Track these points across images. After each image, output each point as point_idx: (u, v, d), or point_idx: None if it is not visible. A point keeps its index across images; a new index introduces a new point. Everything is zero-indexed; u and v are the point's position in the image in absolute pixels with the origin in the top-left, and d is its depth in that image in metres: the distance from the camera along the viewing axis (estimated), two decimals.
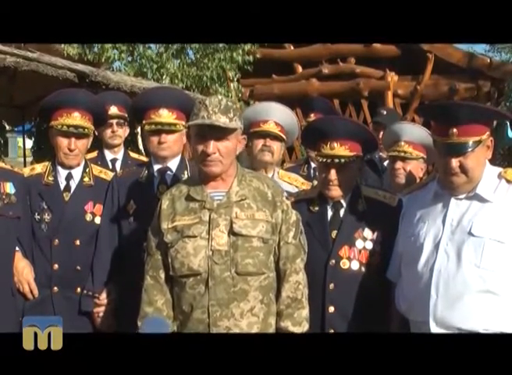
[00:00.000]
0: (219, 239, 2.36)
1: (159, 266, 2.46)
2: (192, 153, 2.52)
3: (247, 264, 2.35)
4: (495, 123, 2.53)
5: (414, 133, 3.40)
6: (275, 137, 3.35)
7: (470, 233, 2.33)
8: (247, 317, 2.35)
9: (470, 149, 2.32)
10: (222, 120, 2.34)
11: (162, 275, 2.46)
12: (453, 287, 2.31)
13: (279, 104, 3.46)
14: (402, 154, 3.39)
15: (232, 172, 2.46)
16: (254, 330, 2.36)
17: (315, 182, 3.60)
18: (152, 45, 8.98)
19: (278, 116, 3.35)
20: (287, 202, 2.51)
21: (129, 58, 9.00)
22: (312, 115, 4.59)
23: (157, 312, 2.44)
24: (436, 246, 2.39)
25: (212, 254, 2.35)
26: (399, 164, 3.40)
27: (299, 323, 2.43)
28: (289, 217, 2.47)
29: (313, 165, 4.31)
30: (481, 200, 2.38)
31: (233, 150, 2.42)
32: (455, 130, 2.31)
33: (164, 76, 8.74)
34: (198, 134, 2.39)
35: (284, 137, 3.40)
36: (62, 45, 7.10)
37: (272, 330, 2.42)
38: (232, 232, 2.36)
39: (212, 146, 2.35)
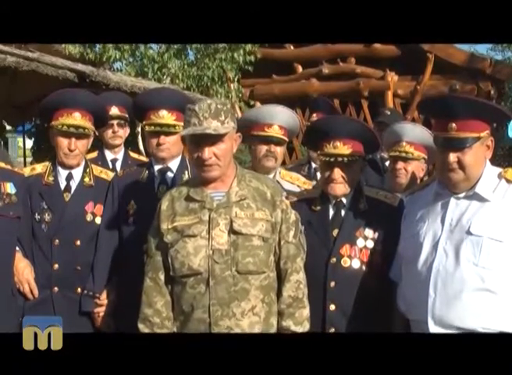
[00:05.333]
0: (219, 238, 2.36)
1: (159, 267, 2.47)
2: (189, 158, 2.54)
3: (247, 263, 2.36)
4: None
5: (415, 133, 3.40)
6: (279, 142, 3.35)
7: (468, 232, 2.34)
8: (248, 316, 2.36)
9: (468, 145, 2.33)
10: (213, 125, 2.35)
11: (162, 276, 2.46)
12: (451, 285, 2.32)
13: (283, 106, 3.46)
14: (403, 154, 3.38)
15: (231, 172, 2.47)
16: (256, 329, 2.36)
17: (314, 182, 3.61)
18: (153, 45, 8.99)
19: (282, 118, 3.35)
20: (286, 202, 2.52)
21: (131, 59, 9.01)
22: (315, 115, 4.62)
23: (156, 313, 2.45)
24: (435, 245, 2.39)
25: (212, 253, 2.36)
26: (400, 164, 3.40)
27: (300, 322, 2.44)
28: (289, 217, 2.48)
29: (314, 165, 4.33)
30: (481, 199, 2.38)
31: (229, 151, 2.43)
32: (454, 124, 2.32)
33: (165, 77, 8.75)
34: (192, 142, 2.41)
35: (287, 139, 3.41)
36: (63, 45, 7.09)
37: (273, 330, 2.43)
38: (232, 231, 2.37)
39: (208, 152, 2.36)
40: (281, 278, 2.46)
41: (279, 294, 2.45)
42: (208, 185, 2.44)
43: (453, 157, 2.35)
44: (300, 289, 2.46)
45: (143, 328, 2.45)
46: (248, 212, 2.40)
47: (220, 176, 2.43)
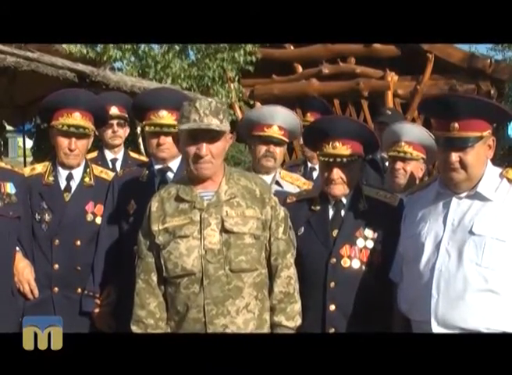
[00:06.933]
0: (211, 238, 2.37)
1: (151, 269, 2.46)
2: (182, 155, 2.54)
3: (240, 261, 2.37)
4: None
5: (414, 133, 3.40)
6: (278, 143, 3.35)
7: (471, 232, 2.34)
8: (243, 314, 2.37)
9: (470, 144, 2.33)
10: (214, 122, 2.36)
11: (154, 278, 2.46)
12: (454, 286, 2.31)
13: (284, 107, 3.47)
14: (402, 154, 3.38)
15: (221, 171, 2.48)
16: (250, 326, 2.38)
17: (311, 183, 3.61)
18: (155, 46, 8.99)
19: (282, 119, 3.35)
20: (275, 199, 2.53)
21: (132, 58, 9.01)
22: (309, 114, 4.64)
23: (149, 315, 2.44)
24: (437, 245, 2.39)
25: (205, 253, 2.37)
26: (399, 164, 3.40)
27: (292, 317, 2.47)
28: (278, 213, 2.50)
29: (310, 165, 4.37)
30: (483, 199, 2.38)
31: (223, 150, 2.45)
32: (456, 124, 2.32)
33: (166, 77, 8.74)
34: (190, 137, 2.40)
35: (287, 140, 3.41)
36: (64, 44, 7.10)
37: (267, 325, 2.45)
38: (223, 230, 2.38)
39: (205, 149, 2.37)
40: (272, 274, 2.48)
41: (270, 290, 2.47)
42: (198, 185, 2.45)
43: (455, 157, 2.34)
44: (290, 284, 2.48)
45: (136, 330, 2.45)
46: (239, 211, 2.41)
47: (211, 175, 2.44)
